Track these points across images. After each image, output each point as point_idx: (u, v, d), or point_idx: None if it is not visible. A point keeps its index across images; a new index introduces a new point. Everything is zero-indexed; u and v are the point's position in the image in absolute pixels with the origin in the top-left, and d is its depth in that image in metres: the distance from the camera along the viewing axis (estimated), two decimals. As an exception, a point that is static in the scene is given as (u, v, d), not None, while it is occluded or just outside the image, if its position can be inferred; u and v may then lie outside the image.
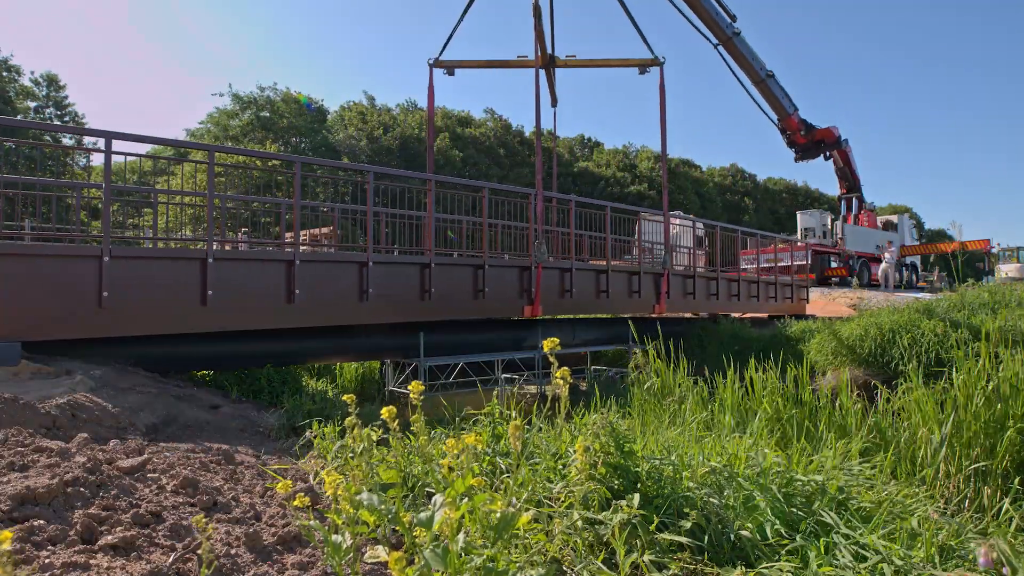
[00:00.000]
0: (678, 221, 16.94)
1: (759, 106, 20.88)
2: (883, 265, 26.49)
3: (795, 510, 3.10)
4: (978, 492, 4.50)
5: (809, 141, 24.24)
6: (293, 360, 10.49)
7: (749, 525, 2.80)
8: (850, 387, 5.82)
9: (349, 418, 3.05)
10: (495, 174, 47.97)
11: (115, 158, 7.93)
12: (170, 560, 2.53)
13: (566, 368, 2.56)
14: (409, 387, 2.93)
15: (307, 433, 4.49)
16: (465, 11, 13.97)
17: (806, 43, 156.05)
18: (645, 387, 6.44)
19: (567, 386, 2.57)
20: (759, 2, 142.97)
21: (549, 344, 2.62)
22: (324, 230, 15.75)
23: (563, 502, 2.81)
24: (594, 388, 6.21)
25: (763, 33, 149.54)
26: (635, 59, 14.91)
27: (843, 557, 2.69)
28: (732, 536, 2.74)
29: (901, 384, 5.94)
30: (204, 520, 2.05)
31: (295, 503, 2.14)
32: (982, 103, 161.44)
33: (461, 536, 1.83)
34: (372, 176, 9.48)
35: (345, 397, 3.24)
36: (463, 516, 1.96)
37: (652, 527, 2.72)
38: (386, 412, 2.71)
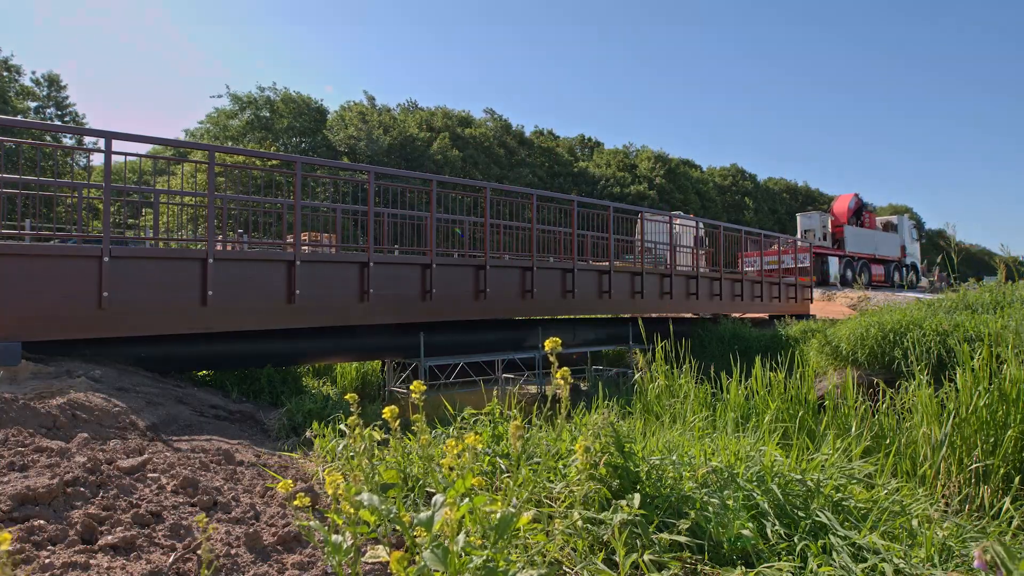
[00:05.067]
0: (679, 221, 16.89)
1: None
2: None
3: (795, 510, 3.10)
4: (978, 492, 4.49)
5: None
6: (293, 360, 10.48)
7: (750, 525, 2.79)
8: (852, 387, 5.81)
9: (352, 417, 3.04)
10: (495, 174, 48.01)
11: (115, 158, 7.92)
12: (170, 560, 2.53)
13: (567, 368, 2.55)
14: (411, 387, 2.92)
15: (307, 433, 4.49)
16: None
17: (815, 50, 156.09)
18: (649, 387, 6.43)
19: (567, 386, 2.56)
20: (775, 9, 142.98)
21: (550, 344, 2.60)
22: (325, 236, 15.75)
23: (563, 502, 2.81)
24: (595, 388, 6.20)
25: (777, 40, 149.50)
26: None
27: (839, 558, 2.69)
28: (731, 536, 2.73)
29: (903, 384, 5.93)
30: (205, 520, 2.05)
31: (295, 503, 2.14)
32: (982, 106, 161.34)
33: (461, 536, 1.83)
34: (373, 176, 9.47)
35: (347, 396, 3.24)
36: (463, 516, 1.96)
37: (652, 527, 2.71)
38: (388, 412, 2.70)
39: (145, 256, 7.81)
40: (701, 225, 17.93)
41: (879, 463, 4.27)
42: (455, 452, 2.07)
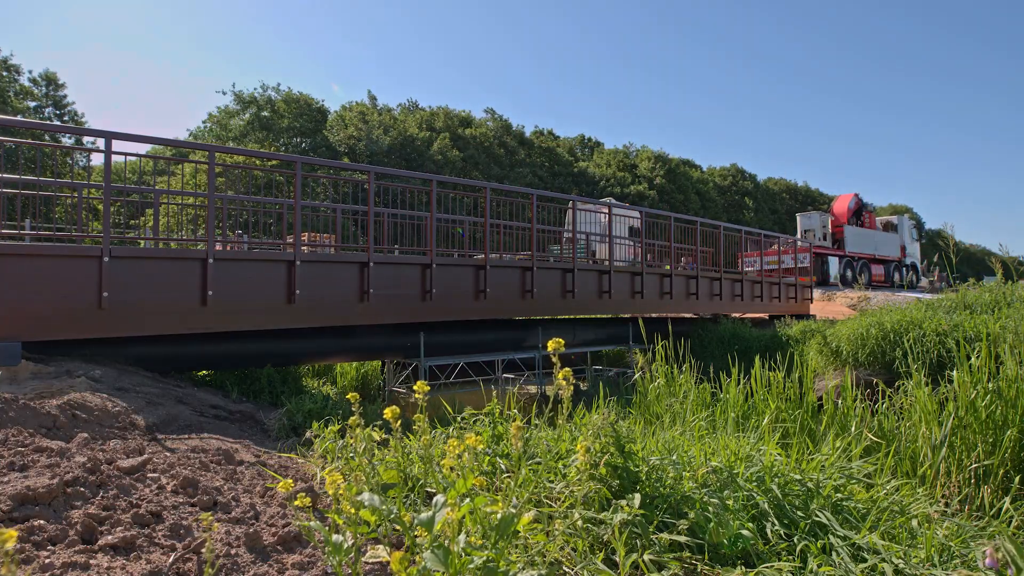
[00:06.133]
0: (616, 211, 15.61)
1: None
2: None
3: (794, 510, 3.10)
4: (978, 492, 4.49)
5: None
6: (293, 360, 10.48)
7: (750, 525, 2.79)
8: (852, 387, 5.81)
9: (353, 417, 3.05)
10: (495, 174, 48.03)
11: (115, 158, 7.92)
12: (170, 560, 2.53)
13: (568, 369, 2.55)
14: (414, 387, 2.92)
15: (307, 433, 4.49)
16: None
17: (816, 52, 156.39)
18: (650, 387, 6.43)
19: (570, 388, 2.56)
20: (775, 11, 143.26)
21: (553, 344, 2.61)
22: (325, 236, 15.73)
23: (564, 502, 2.81)
24: (595, 388, 6.20)
25: (777, 42, 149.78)
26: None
27: (839, 558, 2.69)
28: (731, 536, 2.73)
29: (903, 384, 5.93)
30: (210, 518, 2.05)
31: (296, 503, 2.14)
32: (981, 107, 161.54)
33: (462, 536, 1.83)
34: (373, 176, 9.46)
35: (349, 396, 3.24)
36: (464, 516, 1.96)
37: (652, 527, 2.71)
38: (389, 412, 2.70)
39: (145, 256, 7.81)
40: (637, 214, 17.33)
41: (879, 463, 4.27)
42: (456, 453, 2.07)
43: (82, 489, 3.00)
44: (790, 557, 2.77)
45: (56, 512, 2.79)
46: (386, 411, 2.69)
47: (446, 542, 1.80)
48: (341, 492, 2.04)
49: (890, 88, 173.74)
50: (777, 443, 4.03)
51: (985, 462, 4.54)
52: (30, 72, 36.47)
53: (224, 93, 44.46)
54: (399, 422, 2.80)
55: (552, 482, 2.98)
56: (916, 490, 4.11)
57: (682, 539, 2.63)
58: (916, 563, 2.73)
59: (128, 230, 14.81)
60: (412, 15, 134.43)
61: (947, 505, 4.42)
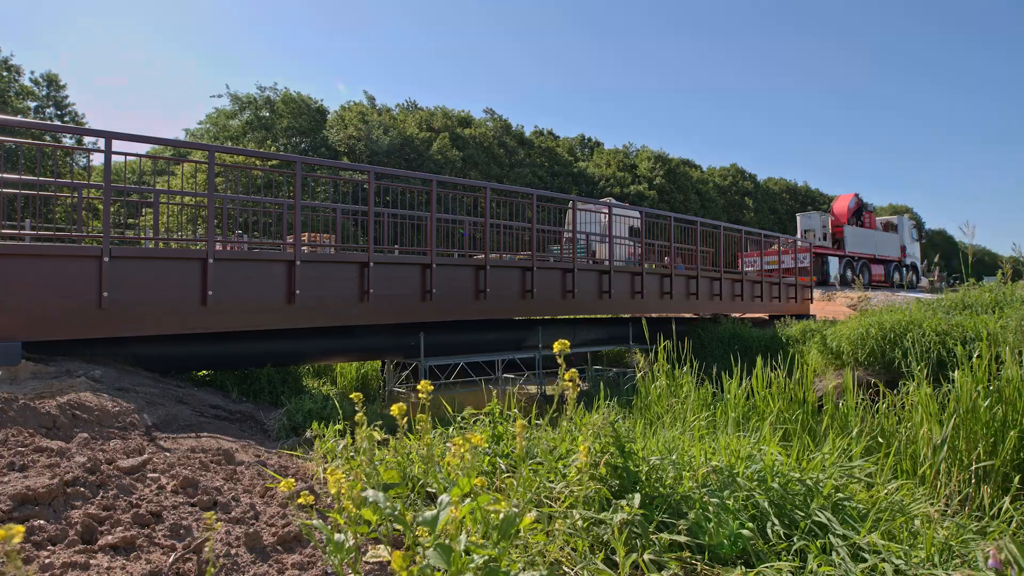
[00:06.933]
0: (616, 211, 15.45)
1: None
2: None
3: (794, 510, 3.10)
4: (978, 492, 4.49)
5: None
6: (294, 360, 10.48)
7: (750, 524, 2.79)
8: (852, 387, 5.81)
9: (359, 415, 3.05)
10: (495, 174, 48.04)
11: (115, 158, 7.92)
12: (170, 560, 2.53)
13: (575, 371, 2.56)
14: (417, 386, 2.93)
15: (307, 433, 4.49)
16: None
17: (816, 52, 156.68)
18: (651, 387, 6.43)
19: (576, 390, 2.57)
20: (774, 12, 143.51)
21: (558, 346, 2.63)
22: (325, 236, 15.75)
23: (564, 502, 2.81)
24: (595, 388, 6.19)
25: (777, 42, 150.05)
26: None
27: (838, 558, 2.69)
28: (730, 534, 2.73)
29: (903, 384, 5.93)
30: (214, 517, 2.05)
31: (299, 500, 2.14)
32: (982, 107, 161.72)
33: (463, 536, 1.83)
34: (373, 176, 9.46)
35: (352, 396, 3.24)
36: (464, 516, 1.96)
37: (652, 527, 2.71)
38: (396, 409, 2.70)
39: (145, 256, 7.81)
40: (637, 214, 17.36)
41: (879, 463, 4.27)
42: (462, 451, 2.07)
43: (82, 489, 3.00)
44: (790, 557, 2.77)
45: (56, 512, 2.79)
46: (393, 408, 2.70)
47: (447, 541, 1.80)
48: (343, 490, 2.04)
49: (890, 88, 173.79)
50: (778, 443, 4.03)
51: (986, 462, 4.54)
52: (32, 72, 36.50)
53: (219, 96, 44.29)
54: (405, 420, 2.80)
55: (552, 482, 2.98)
56: (916, 490, 4.11)
57: (682, 539, 2.63)
58: (916, 563, 2.73)
59: (128, 230, 14.81)
60: (412, 15, 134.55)
61: (947, 505, 4.42)
